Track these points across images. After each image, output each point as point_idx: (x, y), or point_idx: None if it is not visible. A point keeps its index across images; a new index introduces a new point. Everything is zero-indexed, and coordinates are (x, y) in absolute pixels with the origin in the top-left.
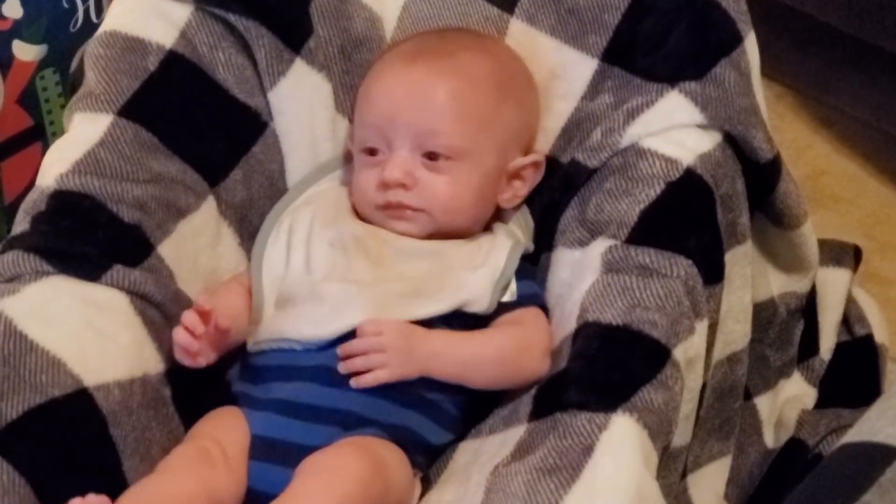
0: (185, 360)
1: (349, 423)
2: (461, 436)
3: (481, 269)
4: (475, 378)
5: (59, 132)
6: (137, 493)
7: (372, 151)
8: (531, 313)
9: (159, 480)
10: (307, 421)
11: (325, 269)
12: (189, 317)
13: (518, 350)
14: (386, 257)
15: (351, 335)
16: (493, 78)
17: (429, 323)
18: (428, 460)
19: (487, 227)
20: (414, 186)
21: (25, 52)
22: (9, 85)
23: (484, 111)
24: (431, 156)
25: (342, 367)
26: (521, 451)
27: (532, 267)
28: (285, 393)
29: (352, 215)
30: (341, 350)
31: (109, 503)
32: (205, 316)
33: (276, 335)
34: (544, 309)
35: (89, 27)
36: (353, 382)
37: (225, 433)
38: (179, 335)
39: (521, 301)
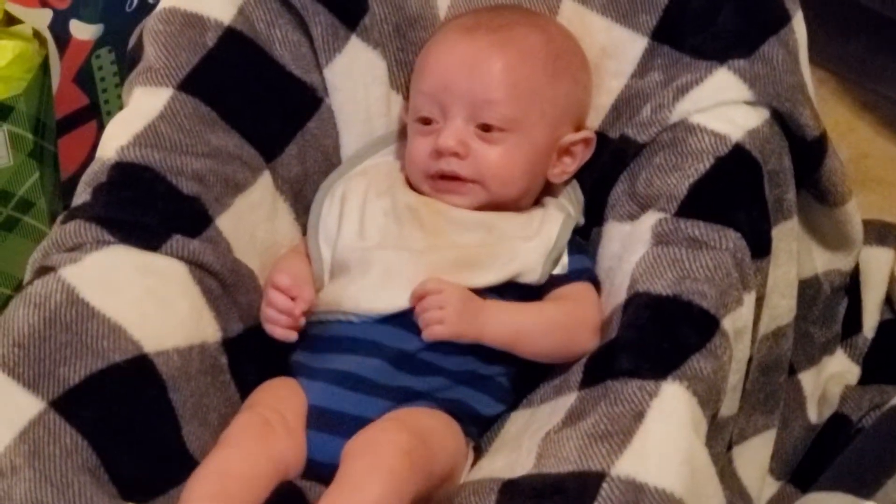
0: (277, 333)
1: (404, 398)
2: (513, 406)
3: (534, 239)
4: (526, 348)
5: (115, 111)
6: (206, 474)
7: (426, 121)
8: (582, 288)
9: (224, 456)
10: (364, 394)
11: (378, 238)
12: (277, 298)
13: (570, 324)
14: (439, 227)
15: (409, 312)
16: (548, 53)
17: (481, 293)
18: (480, 430)
19: (538, 202)
20: (467, 156)
21: (82, 31)
22: (65, 64)
23: (537, 85)
24: (485, 127)
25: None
26: (572, 417)
27: (584, 242)
28: (344, 365)
29: (406, 186)
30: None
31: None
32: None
33: (333, 306)
34: (595, 283)
35: (145, 7)
36: (423, 336)
37: (283, 402)
38: (271, 314)
39: (572, 275)
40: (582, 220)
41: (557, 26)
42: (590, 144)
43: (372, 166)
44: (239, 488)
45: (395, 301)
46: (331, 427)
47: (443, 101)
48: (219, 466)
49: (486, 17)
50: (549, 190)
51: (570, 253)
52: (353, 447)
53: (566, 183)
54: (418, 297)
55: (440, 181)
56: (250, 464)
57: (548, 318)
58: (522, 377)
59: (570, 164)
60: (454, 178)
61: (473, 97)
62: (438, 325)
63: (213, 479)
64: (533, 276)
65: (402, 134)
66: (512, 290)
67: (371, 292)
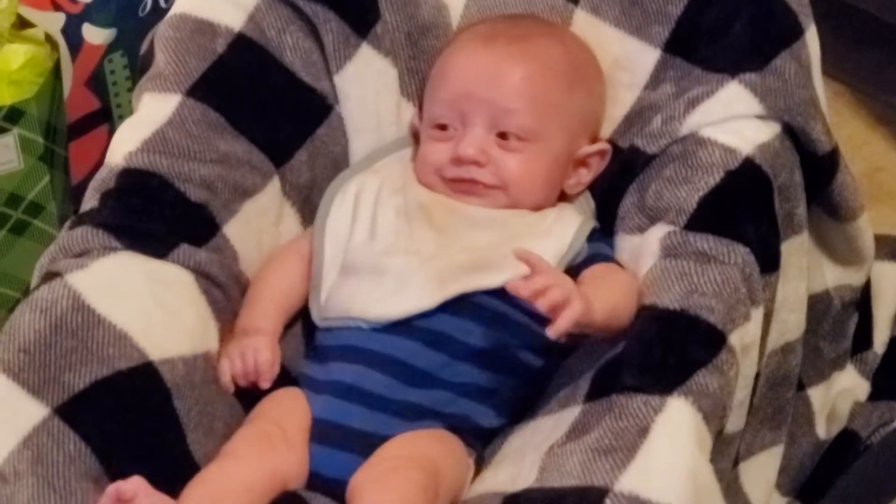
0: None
1: (409, 414)
2: (516, 419)
3: (546, 238)
4: (614, 323)
5: (126, 115)
6: (203, 482)
7: (443, 127)
8: (615, 265)
9: (223, 467)
10: (368, 408)
11: (389, 239)
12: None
13: (632, 292)
14: (450, 226)
15: (417, 317)
16: (567, 65)
17: (493, 294)
18: (482, 443)
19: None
20: (487, 164)
21: (95, 35)
22: (78, 68)
23: (557, 97)
24: (504, 135)
25: (539, 305)
26: (576, 431)
27: (604, 235)
28: (348, 376)
29: (418, 183)
30: (513, 288)
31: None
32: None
33: (342, 314)
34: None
35: (158, 12)
36: (554, 330)
37: (286, 415)
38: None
39: (598, 258)
40: (597, 225)
41: (574, 37)
42: (605, 156)
43: (385, 164)
44: (234, 496)
45: (405, 307)
46: (334, 441)
47: (462, 108)
48: (214, 475)
49: (503, 27)
50: (562, 198)
51: (590, 241)
52: (364, 482)
53: (579, 193)
54: (527, 283)
55: (458, 184)
56: (247, 472)
57: (627, 288)
58: (525, 390)
59: (586, 176)
60: (473, 181)
61: (494, 105)
62: (570, 306)
63: (208, 487)
64: None
65: (413, 140)
66: None
67: (381, 300)
